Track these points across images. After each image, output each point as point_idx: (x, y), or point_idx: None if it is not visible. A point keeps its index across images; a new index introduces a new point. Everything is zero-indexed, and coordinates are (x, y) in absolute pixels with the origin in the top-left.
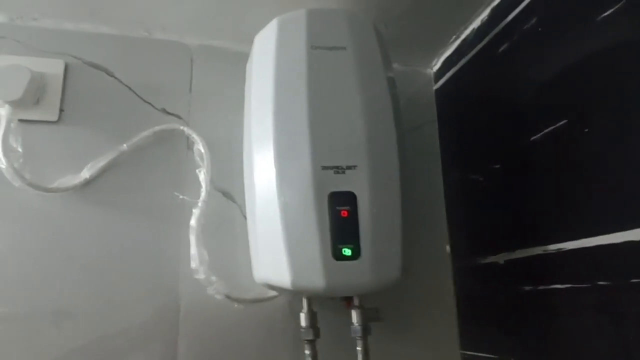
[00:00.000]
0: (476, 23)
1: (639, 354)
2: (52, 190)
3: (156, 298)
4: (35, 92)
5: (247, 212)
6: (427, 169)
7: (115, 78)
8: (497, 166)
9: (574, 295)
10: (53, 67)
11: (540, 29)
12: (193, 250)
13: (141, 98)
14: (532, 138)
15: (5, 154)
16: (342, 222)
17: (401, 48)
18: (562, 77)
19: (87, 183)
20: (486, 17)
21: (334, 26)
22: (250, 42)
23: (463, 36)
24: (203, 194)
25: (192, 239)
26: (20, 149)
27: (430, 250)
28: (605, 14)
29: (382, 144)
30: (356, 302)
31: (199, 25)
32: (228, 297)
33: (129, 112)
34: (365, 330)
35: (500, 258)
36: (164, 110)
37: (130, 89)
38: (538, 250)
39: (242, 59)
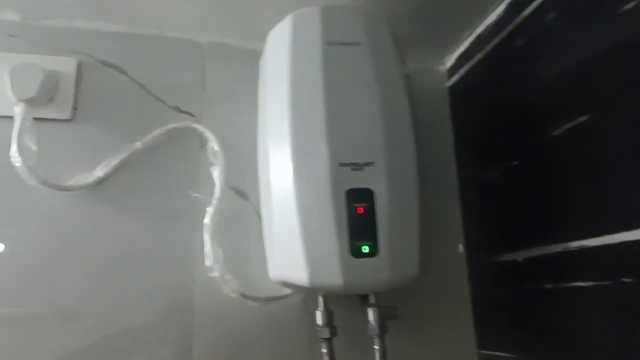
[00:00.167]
0: (491, 19)
1: None
2: (67, 188)
3: (170, 297)
4: (48, 91)
5: (262, 210)
6: (440, 166)
7: (128, 76)
8: (515, 163)
9: (597, 293)
10: (66, 66)
11: (559, 24)
12: (207, 248)
13: (154, 96)
14: (552, 134)
15: (20, 152)
16: (359, 219)
17: (413, 44)
18: (583, 72)
19: (101, 181)
20: (502, 13)
21: (348, 22)
22: (261, 39)
23: (477, 32)
24: (217, 192)
25: (207, 237)
26: (34, 148)
27: (444, 248)
28: (627, 6)
29: (400, 140)
30: (372, 300)
31: (210, 23)
32: (243, 295)
33: (142, 110)
34: (383, 328)
35: (519, 256)
36: (177, 108)
37: (142, 86)
38: (559, 247)
39: (253, 56)
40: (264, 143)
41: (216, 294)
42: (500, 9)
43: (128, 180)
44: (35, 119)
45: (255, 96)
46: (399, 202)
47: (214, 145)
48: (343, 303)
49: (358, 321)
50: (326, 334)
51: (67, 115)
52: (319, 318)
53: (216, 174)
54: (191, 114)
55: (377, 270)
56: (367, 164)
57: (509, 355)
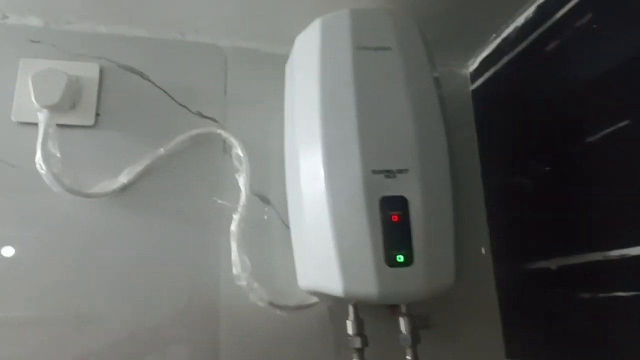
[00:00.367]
0: (519, 21)
1: None
2: (91, 195)
3: (195, 304)
4: (71, 97)
5: (291, 218)
6: (465, 171)
7: (150, 81)
8: (548, 168)
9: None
10: (88, 71)
11: (595, 26)
12: (234, 256)
13: (176, 101)
14: (588, 140)
15: (45, 160)
16: (394, 227)
17: (436, 48)
18: (623, 76)
19: (125, 188)
20: (531, 15)
21: (379, 26)
22: (284, 43)
23: (504, 35)
24: (243, 198)
25: (233, 245)
26: (58, 154)
27: (470, 255)
28: None
29: (433, 146)
30: (403, 309)
31: (232, 28)
32: (271, 304)
33: (165, 116)
34: (415, 338)
35: (553, 263)
36: (200, 114)
37: (165, 92)
38: (597, 256)
39: (277, 61)
40: (293, 150)
41: (242, 303)
42: (529, 12)
43: (152, 187)
44: (58, 125)
45: (278, 101)
46: (433, 210)
47: (238, 151)
48: (372, 311)
49: (388, 330)
50: (358, 344)
51: (90, 121)
52: (350, 328)
53: (241, 180)
54: (214, 120)
55: (412, 280)
56: (400, 171)
57: None
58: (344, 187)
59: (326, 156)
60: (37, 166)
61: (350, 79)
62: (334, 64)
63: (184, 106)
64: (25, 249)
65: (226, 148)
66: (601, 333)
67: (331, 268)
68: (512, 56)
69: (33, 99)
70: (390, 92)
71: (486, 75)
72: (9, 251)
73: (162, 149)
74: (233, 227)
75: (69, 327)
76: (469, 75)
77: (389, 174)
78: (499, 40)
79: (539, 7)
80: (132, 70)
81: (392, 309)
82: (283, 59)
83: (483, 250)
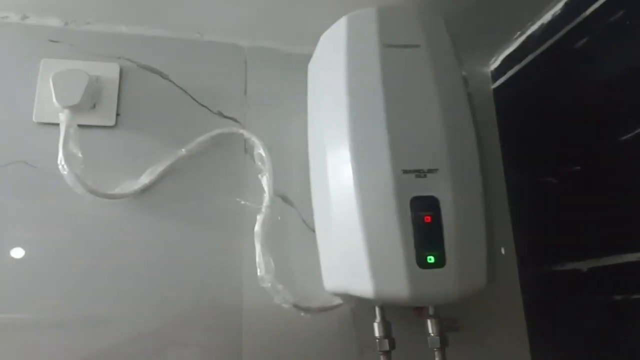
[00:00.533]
0: (545, 18)
1: None
2: (113, 196)
3: (217, 307)
4: (92, 97)
5: (317, 219)
6: (487, 171)
7: (170, 81)
8: (577, 168)
9: None
10: (108, 71)
11: (627, 22)
12: (258, 258)
13: (196, 101)
14: (620, 139)
15: (67, 160)
16: (425, 228)
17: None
18: None
19: (146, 188)
20: (558, 12)
21: (406, 23)
22: (305, 43)
23: (529, 32)
24: (266, 199)
25: (258, 246)
26: (80, 155)
27: (493, 256)
28: None
29: (463, 145)
30: (431, 311)
31: (251, 27)
32: (296, 306)
33: (185, 116)
34: (444, 341)
35: (583, 265)
36: (220, 114)
37: (185, 92)
38: (631, 257)
39: (297, 60)
40: (319, 150)
41: (265, 304)
42: (557, 8)
43: (173, 188)
44: (79, 125)
45: (299, 101)
46: (464, 210)
47: (261, 151)
48: (397, 313)
49: (414, 332)
50: (386, 346)
51: (110, 121)
52: (377, 330)
53: (264, 180)
54: (235, 120)
55: (444, 282)
56: (430, 171)
57: None
58: (373, 187)
59: (355, 156)
60: (60, 167)
61: (378, 76)
62: (361, 62)
63: (204, 106)
64: (46, 250)
65: (247, 148)
66: (634, 336)
67: (361, 269)
68: (537, 54)
69: (54, 99)
70: (419, 90)
71: (509, 73)
72: (29, 252)
73: (183, 150)
74: (257, 228)
75: (89, 329)
76: (490, 74)
77: (419, 173)
78: (523, 37)
79: (567, 4)
80: (152, 70)
81: (419, 311)
82: (303, 58)
83: (503, 251)
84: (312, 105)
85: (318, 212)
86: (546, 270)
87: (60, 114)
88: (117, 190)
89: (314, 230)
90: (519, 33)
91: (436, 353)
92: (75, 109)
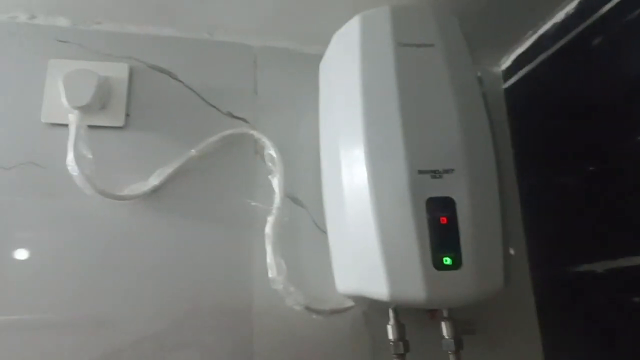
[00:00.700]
0: (559, 17)
1: None
2: (123, 197)
3: (228, 309)
4: (101, 97)
5: (329, 220)
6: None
7: (180, 81)
8: (592, 168)
9: None
10: (117, 71)
11: None
12: (269, 259)
13: (206, 101)
14: (638, 138)
15: (77, 161)
16: (441, 229)
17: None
18: None
19: (156, 190)
20: (572, 10)
21: (420, 22)
22: (315, 43)
23: (541, 31)
24: (277, 200)
25: (269, 248)
26: (90, 156)
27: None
28: None
29: (479, 145)
30: (445, 313)
31: (261, 27)
32: (308, 308)
33: (195, 116)
34: (459, 344)
35: (599, 267)
36: (230, 114)
37: (194, 92)
38: None
39: (307, 60)
40: (332, 150)
41: (276, 307)
42: (570, 7)
43: (183, 189)
44: (89, 126)
45: (309, 101)
46: (481, 211)
47: (271, 152)
48: (410, 316)
49: (428, 335)
50: (400, 349)
51: (120, 122)
52: (391, 332)
53: (275, 181)
54: (244, 120)
55: (461, 284)
56: (446, 171)
57: None
58: (389, 187)
59: (370, 156)
60: (69, 168)
61: (393, 76)
62: (375, 61)
63: (214, 106)
64: (55, 250)
65: (257, 149)
66: None
67: (376, 271)
68: (550, 53)
69: (64, 99)
70: (434, 89)
71: (520, 73)
72: (37, 252)
73: (193, 150)
74: (268, 229)
75: (97, 330)
76: (501, 74)
77: (435, 174)
78: (535, 37)
79: (581, 2)
80: (162, 70)
81: (432, 313)
82: (313, 58)
83: (512, 251)
84: (324, 105)
85: (330, 213)
86: (559, 272)
87: (69, 115)
88: (127, 192)
89: (325, 232)
90: (530, 32)
91: (451, 356)
92: (84, 110)
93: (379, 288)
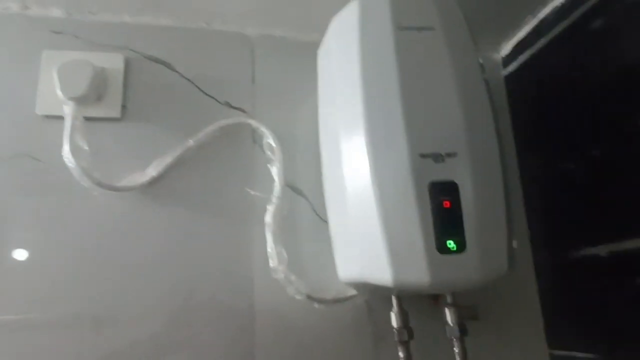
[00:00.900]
0: (558, 0)
1: None
2: (120, 189)
3: (228, 299)
4: (97, 88)
5: (329, 207)
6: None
7: (176, 72)
8: (595, 152)
9: None
10: (113, 62)
11: None
12: (270, 248)
13: (203, 92)
14: None
15: (73, 153)
16: (445, 213)
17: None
18: None
19: (154, 181)
20: None
21: (419, 6)
22: (312, 31)
23: (541, 15)
24: (277, 189)
25: (269, 237)
26: (86, 147)
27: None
28: None
29: (481, 128)
30: (449, 299)
31: (259, 16)
32: (309, 297)
33: (192, 107)
34: (463, 330)
35: (602, 250)
36: (228, 104)
37: (191, 82)
38: None
39: (305, 49)
40: (332, 136)
41: (277, 296)
42: None
43: (181, 179)
44: (85, 118)
45: (308, 90)
46: (484, 195)
47: (270, 141)
48: (413, 303)
49: (431, 322)
50: (404, 336)
51: (116, 113)
52: (395, 320)
53: (274, 170)
54: (242, 110)
55: (465, 268)
56: (449, 155)
57: (590, 355)
58: (390, 172)
59: (371, 140)
60: (65, 160)
61: (393, 60)
62: (375, 45)
63: (211, 96)
64: (52, 244)
65: (256, 138)
66: None
67: (379, 257)
68: (550, 37)
69: (59, 91)
70: (435, 73)
71: (520, 58)
72: (34, 247)
73: (191, 141)
74: (268, 218)
75: (96, 323)
76: (500, 60)
77: (437, 157)
78: (535, 21)
79: None
80: (158, 60)
81: (435, 299)
82: (311, 46)
83: (515, 244)
84: (323, 91)
85: (331, 200)
86: (562, 257)
87: (64, 106)
88: (124, 183)
89: (325, 221)
90: (530, 17)
91: (455, 342)
92: (80, 101)
93: (382, 273)
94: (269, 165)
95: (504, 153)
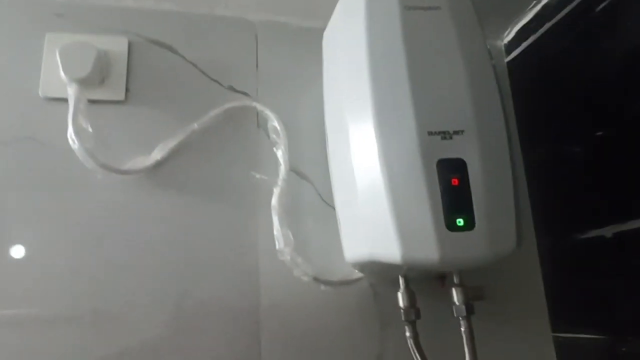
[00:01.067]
0: None
1: None
2: (125, 172)
3: (234, 282)
4: (100, 71)
5: (336, 189)
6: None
7: (179, 55)
8: (600, 133)
9: None
10: (116, 45)
11: None
12: (276, 231)
13: (207, 76)
14: None
15: (77, 134)
16: (453, 191)
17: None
18: None
19: (159, 164)
20: None
21: None
22: (316, 17)
23: (544, 1)
24: (283, 171)
25: (275, 219)
26: (90, 129)
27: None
28: None
29: (488, 106)
30: (456, 280)
31: (262, 1)
32: (316, 279)
33: (196, 91)
34: (469, 309)
35: (607, 231)
36: (232, 88)
37: (195, 66)
38: None
39: (308, 34)
40: (339, 117)
41: (284, 278)
42: None
43: (186, 163)
44: (89, 101)
45: (311, 76)
46: (492, 172)
47: (275, 123)
48: (418, 285)
49: (437, 304)
50: (412, 315)
51: (120, 96)
52: (402, 299)
53: (280, 153)
54: (246, 94)
55: (474, 245)
56: (456, 133)
57: (593, 336)
58: (398, 149)
59: (378, 119)
60: (70, 141)
61: (400, 38)
62: (382, 24)
63: (215, 81)
64: (55, 227)
65: (260, 122)
66: None
67: (388, 234)
68: (554, 22)
69: (62, 72)
70: (442, 51)
71: (524, 45)
72: (35, 231)
73: (195, 124)
74: (274, 201)
75: (101, 308)
76: (503, 48)
77: (444, 135)
78: (538, 7)
79: None
80: (161, 44)
81: (442, 281)
82: (314, 32)
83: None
84: (330, 71)
85: (338, 181)
86: (567, 240)
87: (68, 88)
88: (129, 166)
89: (330, 205)
90: (534, 2)
91: (462, 322)
92: (83, 83)
93: (391, 251)
94: (274, 149)
95: (510, 132)
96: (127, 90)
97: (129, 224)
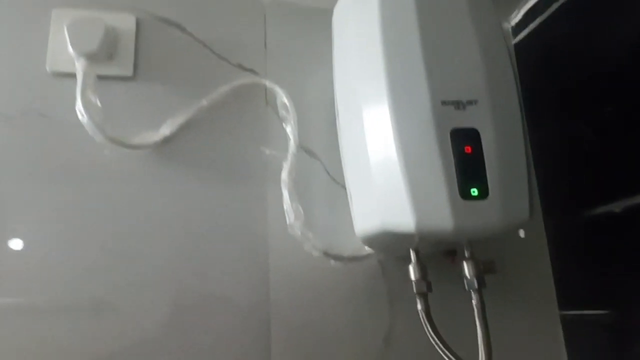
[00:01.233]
0: None
1: None
2: (134, 146)
3: (244, 258)
4: (108, 47)
5: (346, 162)
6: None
7: (188, 33)
8: (607, 109)
9: None
10: (124, 22)
11: None
12: (287, 205)
13: (216, 53)
14: None
15: (85, 108)
16: (467, 160)
17: None
18: None
19: (168, 140)
20: None
21: None
22: None
23: None
24: (292, 146)
25: (285, 193)
26: (99, 104)
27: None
28: None
29: (501, 77)
30: (467, 254)
31: None
32: (326, 253)
33: (204, 68)
34: (481, 282)
35: (616, 206)
36: (240, 66)
37: (204, 44)
38: None
39: (316, 14)
40: (350, 89)
41: (293, 253)
42: None
43: (195, 139)
44: (97, 76)
45: (319, 55)
46: (505, 142)
47: (284, 99)
48: (428, 261)
49: (447, 279)
50: (423, 287)
51: (128, 72)
52: (412, 273)
53: (289, 128)
54: (254, 72)
55: (488, 214)
56: (470, 102)
57: (600, 312)
58: (412, 119)
59: (392, 89)
60: (78, 114)
61: (413, 9)
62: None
63: (223, 58)
64: (62, 202)
65: (268, 99)
66: None
67: (402, 204)
68: (561, 3)
69: (70, 47)
70: (455, 23)
71: (531, 26)
72: (44, 206)
73: (204, 101)
74: (284, 175)
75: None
76: (510, 30)
77: (458, 105)
78: None
79: None
80: (169, 22)
81: (452, 257)
82: (322, 13)
83: (522, 233)
84: (341, 47)
85: (350, 155)
86: (575, 217)
87: (76, 63)
88: (137, 140)
89: (339, 183)
90: None
91: (473, 295)
92: (92, 58)
93: (405, 220)
94: (283, 124)
95: (522, 104)
96: (135, 66)
97: (135, 200)
